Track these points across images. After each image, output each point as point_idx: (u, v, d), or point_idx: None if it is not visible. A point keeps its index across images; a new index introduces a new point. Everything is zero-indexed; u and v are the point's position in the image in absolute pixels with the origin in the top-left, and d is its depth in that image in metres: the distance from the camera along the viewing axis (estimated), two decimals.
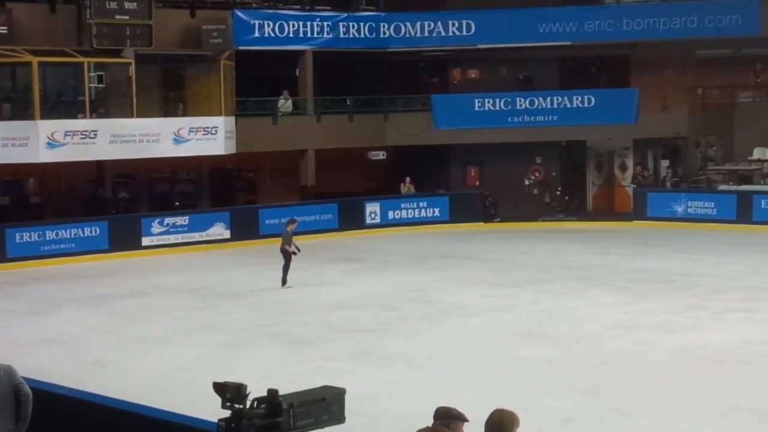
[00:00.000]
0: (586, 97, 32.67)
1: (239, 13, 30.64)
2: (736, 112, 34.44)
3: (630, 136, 33.82)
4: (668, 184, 33.35)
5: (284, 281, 21.37)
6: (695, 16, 32.20)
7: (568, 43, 32.86)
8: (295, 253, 21.43)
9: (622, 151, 34.93)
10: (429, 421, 6.15)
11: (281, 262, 21.45)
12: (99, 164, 29.07)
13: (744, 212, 29.73)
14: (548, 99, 32.79)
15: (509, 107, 32.86)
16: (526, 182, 33.96)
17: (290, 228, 21.90)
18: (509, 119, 32.74)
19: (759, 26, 31.54)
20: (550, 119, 32.67)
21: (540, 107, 32.76)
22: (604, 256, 25.23)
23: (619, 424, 11.53)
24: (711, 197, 30.99)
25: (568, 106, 32.67)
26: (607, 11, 33.13)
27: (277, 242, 22.11)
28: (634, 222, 31.26)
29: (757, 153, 33.04)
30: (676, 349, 15.10)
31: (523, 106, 32.84)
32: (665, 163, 34.64)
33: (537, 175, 34.08)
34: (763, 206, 29.57)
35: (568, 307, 18.75)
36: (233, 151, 29.39)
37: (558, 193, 33.35)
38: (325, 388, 9.45)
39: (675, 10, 32.49)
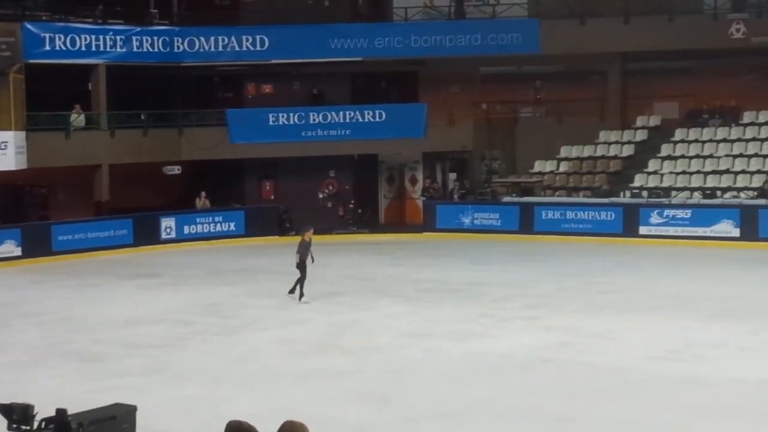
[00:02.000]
0: (377, 111, 33.52)
1: (29, 26, 29.91)
2: (518, 127, 36.03)
3: (419, 150, 34.91)
4: (456, 196, 34.49)
5: (302, 294, 20.78)
6: (479, 35, 33.56)
7: (359, 58, 33.64)
8: (312, 261, 20.92)
9: (412, 165, 36.00)
10: None
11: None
12: None
13: (526, 223, 31.17)
14: (341, 113, 33.46)
15: (303, 122, 33.36)
16: (320, 195, 34.52)
17: (308, 237, 21.35)
18: (303, 133, 33.25)
19: (538, 45, 33.20)
20: (342, 133, 33.36)
21: (333, 122, 33.39)
22: (395, 268, 25.97)
23: (409, 431, 11.99)
24: (496, 209, 32.26)
25: (360, 120, 33.42)
26: (396, 28, 34.08)
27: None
28: (424, 234, 32.20)
29: (538, 166, 34.62)
30: (463, 356, 15.67)
31: (317, 121, 33.40)
32: (453, 176, 35.89)
33: (330, 188, 34.69)
34: (543, 217, 31.08)
35: (361, 318, 19.26)
36: (24, 166, 28.70)
37: (351, 206, 34.01)
38: (116, 406, 9.52)
39: (460, 28, 33.78)
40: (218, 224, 32.06)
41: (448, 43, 33.58)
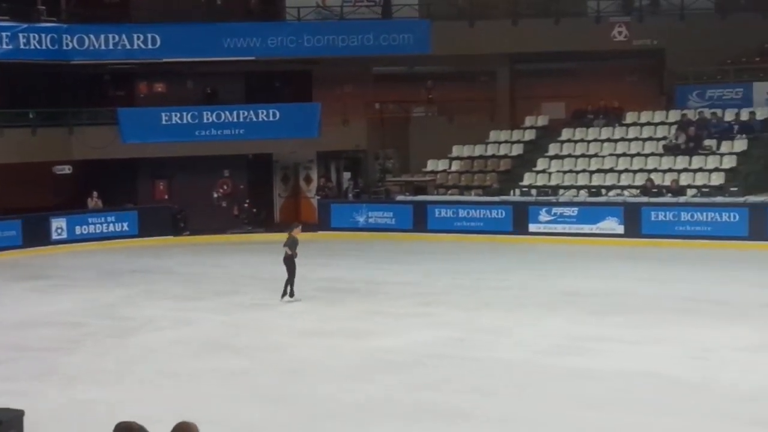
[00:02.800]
0: (271, 111, 33.51)
1: None
2: (411, 126, 36.44)
3: (314, 149, 35.05)
4: (350, 195, 34.72)
5: (292, 293, 20.52)
6: (371, 35, 33.82)
7: (253, 58, 33.58)
8: (295, 256, 20.47)
9: (306, 164, 36.11)
10: None
11: None
12: None
13: (419, 222, 31.57)
14: (234, 113, 33.35)
15: (196, 121, 33.15)
16: (215, 195, 34.41)
17: (296, 233, 20.93)
18: (197, 133, 33.06)
19: (429, 46, 33.61)
20: (236, 133, 33.27)
21: (227, 121, 33.26)
22: None
23: (305, 430, 12.10)
24: (390, 208, 32.55)
25: (254, 119, 33.36)
26: (289, 28, 34.10)
27: None
28: (320, 233, 32.31)
29: (431, 165, 35.05)
30: (359, 354, 15.83)
31: (210, 120, 33.23)
32: (347, 175, 36.11)
33: (225, 188, 34.59)
34: (436, 216, 31.51)
35: (256, 317, 19.34)
36: None
37: (246, 205, 33.97)
38: (2, 411, 9.47)
39: (352, 28, 33.97)
40: (111, 224, 31.70)
41: (340, 43, 33.75)
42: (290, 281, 20.64)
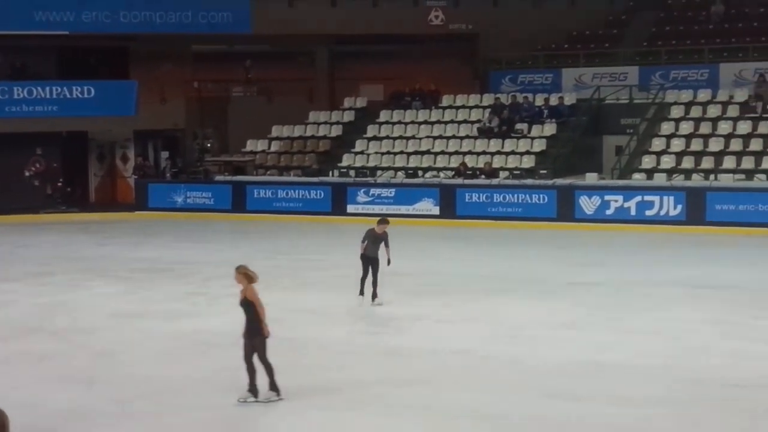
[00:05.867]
0: (85, 88, 32.78)
1: None
2: (230, 106, 36.26)
3: (130, 128, 34.44)
4: (168, 175, 34.31)
5: (374, 295, 17.74)
6: (190, 12, 33.37)
7: (66, 32, 32.64)
8: (388, 263, 17.63)
9: (123, 143, 35.45)
10: None
11: None
12: None
13: (238, 202, 31.56)
14: (47, 89, 32.51)
15: (6, 96, 32.18)
16: (27, 173, 33.39)
17: (379, 230, 17.73)
18: (6, 109, 32.12)
19: (249, 25, 33.45)
20: (49, 109, 32.43)
21: (39, 97, 32.38)
22: (106, 247, 25.62)
23: (115, 413, 11.86)
24: (208, 188, 32.44)
25: (68, 96, 32.57)
26: (105, 2, 33.19)
27: None
28: (137, 213, 31.87)
29: (250, 145, 35.00)
30: (174, 335, 15.74)
31: (21, 96, 32.28)
32: (165, 154, 35.66)
33: (38, 166, 33.63)
34: (255, 196, 31.53)
35: (69, 299, 18.94)
36: None
37: (60, 184, 33.12)
38: None
39: (170, 4, 33.40)
40: None
41: (158, 19, 33.17)
42: (374, 280, 17.83)
